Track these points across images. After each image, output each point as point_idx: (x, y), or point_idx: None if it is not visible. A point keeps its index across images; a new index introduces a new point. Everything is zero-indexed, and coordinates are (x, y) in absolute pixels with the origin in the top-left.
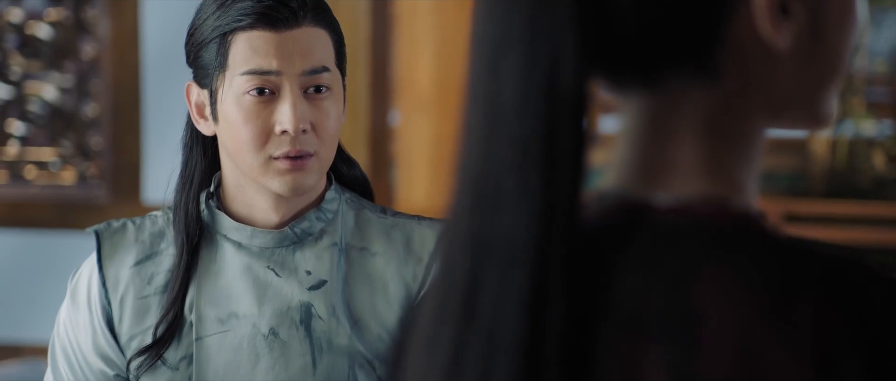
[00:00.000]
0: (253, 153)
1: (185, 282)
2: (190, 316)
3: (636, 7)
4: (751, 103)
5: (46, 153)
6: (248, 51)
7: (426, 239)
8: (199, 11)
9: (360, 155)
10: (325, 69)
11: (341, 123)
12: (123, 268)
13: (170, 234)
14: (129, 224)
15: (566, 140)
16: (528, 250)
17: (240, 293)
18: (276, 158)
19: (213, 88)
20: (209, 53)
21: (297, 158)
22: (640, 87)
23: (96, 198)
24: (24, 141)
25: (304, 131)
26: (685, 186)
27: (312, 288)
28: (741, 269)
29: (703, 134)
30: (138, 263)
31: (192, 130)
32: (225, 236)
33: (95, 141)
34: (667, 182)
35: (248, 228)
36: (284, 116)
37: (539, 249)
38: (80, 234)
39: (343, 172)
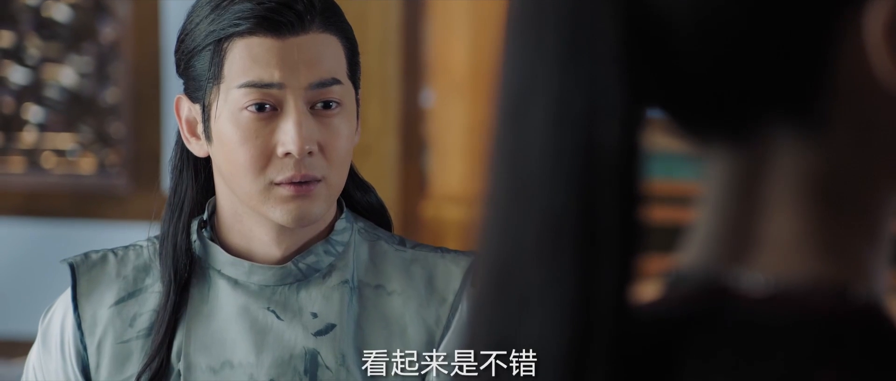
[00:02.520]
0: (251, 178)
1: (172, 325)
2: (177, 365)
3: (702, 38)
4: (869, 163)
5: (65, 140)
6: (246, 60)
7: (451, 275)
8: (190, 14)
9: (391, 140)
10: (336, 81)
11: (354, 142)
12: (102, 307)
13: (156, 268)
14: (110, 256)
15: (609, 215)
16: (560, 360)
17: (235, 339)
18: (278, 184)
19: (206, 103)
20: (202, 63)
21: (303, 184)
22: (722, 137)
23: (116, 187)
24: (42, 128)
25: (310, 153)
26: (788, 266)
27: (319, 333)
28: (864, 377)
29: (809, 200)
30: (119, 301)
31: (182, 151)
32: (219, 272)
33: (115, 128)
34: (763, 261)
35: (246, 263)
36: (288, 135)
37: (573, 358)
38: (100, 225)
39: (356, 199)
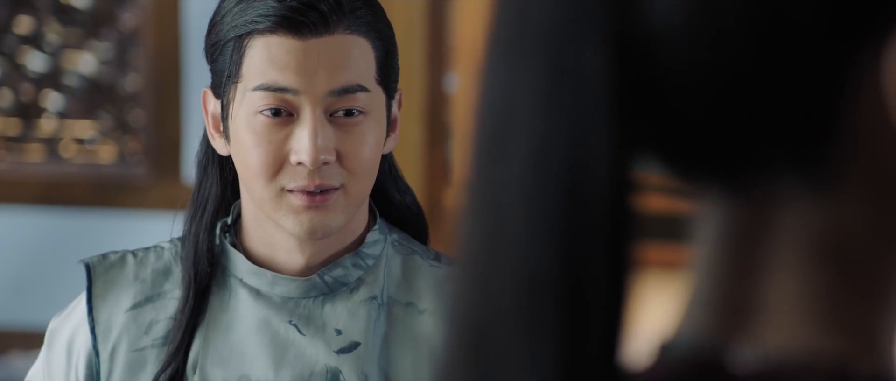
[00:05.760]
0: (263, 183)
1: (189, 332)
2: (193, 377)
3: (700, 73)
4: (884, 222)
5: (84, 128)
6: (264, 61)
7: None
8: (221, 1)
9: (414, 127)
10: (361, 88)
11: (388, 148)
12: (118, 312)
13: (177, 272)
14: (129, 258)
15: (596, 273)
16: None
17: (254, 353)
18: (291, 191)
19: (225, 102)
20: (224, 58)
21: (317, 194)
22: (717, 188)
23: (136, 176)
24: (61, 115)
25: (325, 163)
26: (786, 337)
27: (342, 351)
28: None
29: (813, 262)
30: (135, 306)
31: (207, 146)
32: (240, 281)
33: (135, 116)
34: (759, 331)
35: (269, 273)
36: (301, 144)
37: None
38: (120, 214)
39: (394, 201)
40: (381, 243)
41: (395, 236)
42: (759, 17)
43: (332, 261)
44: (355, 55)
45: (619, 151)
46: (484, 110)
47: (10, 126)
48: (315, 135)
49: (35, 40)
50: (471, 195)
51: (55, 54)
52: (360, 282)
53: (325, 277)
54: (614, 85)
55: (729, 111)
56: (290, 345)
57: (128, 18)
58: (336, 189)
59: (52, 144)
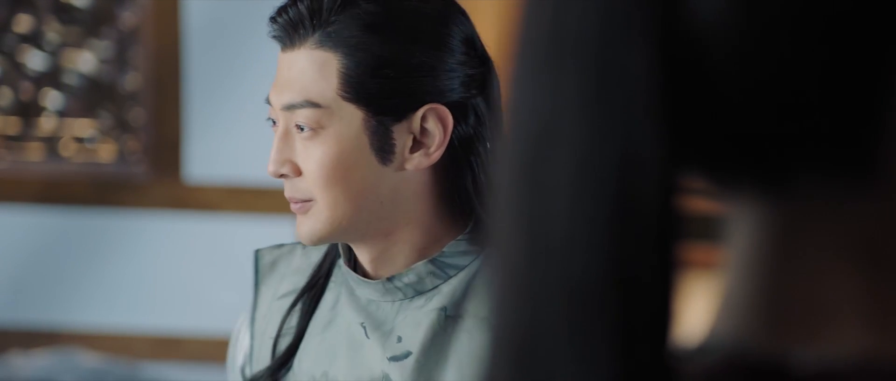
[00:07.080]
0: None
1: (302, 322)
2: (297, 366)
3: (745, 71)
4: None
5: (84, 127)
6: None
7: None
8: None
9: None
10: (308, 104)
11: (413, 165)
12: (273, 299)
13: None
14: (299, 249)
15: (646, 280)
16: None
17: (336, 351)
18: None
19: None
20: None
21: (297, 202)
22: (757, 187)
23: (135, 175)
24: (61, 114)
25: (283, 175)
26: (833, 339)
27: (394, 359)
28: None
29: (862, 263)
30: (285, 295)
31: None
32: (345, 280)
33: (135, 114)
34: (803, 333)
35: (354, 274)
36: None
37: None
38: (120, 213)
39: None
40: (471, 255)
41: None
42: (805, 15)
43: (404, 266)
44: (309, 70)
45: (668, 153)
46: (521, 120)
47: (10, 125)
48: (274, 147)
49: (35, 39)
50: (510, 208)
51: (55, 53)
52: (436, 291)
53: (396, 282)
54: (661, 86)
55: (774, 109)
56: (359, 347)
57: (127, 17)
58: (307, 201)
59: (51, 142)
